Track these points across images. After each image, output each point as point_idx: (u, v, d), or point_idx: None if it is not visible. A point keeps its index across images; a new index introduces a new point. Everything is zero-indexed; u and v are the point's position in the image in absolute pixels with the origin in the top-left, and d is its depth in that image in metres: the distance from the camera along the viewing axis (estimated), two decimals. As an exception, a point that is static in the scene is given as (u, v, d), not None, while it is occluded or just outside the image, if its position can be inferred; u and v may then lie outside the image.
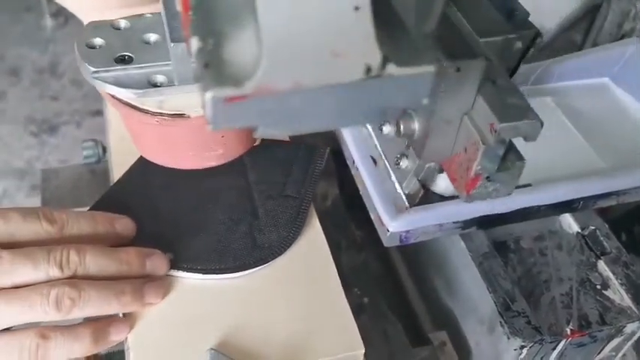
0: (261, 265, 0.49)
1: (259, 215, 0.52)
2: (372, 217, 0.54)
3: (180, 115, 0.42)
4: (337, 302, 0.48)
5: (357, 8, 0.23)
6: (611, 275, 0.54)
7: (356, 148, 0.57)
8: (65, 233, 0.45)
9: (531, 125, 0.31)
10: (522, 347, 0.49)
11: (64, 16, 2.45)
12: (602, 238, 0.56)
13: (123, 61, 0.41)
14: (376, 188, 0.53)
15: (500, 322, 0.50)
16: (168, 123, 0.42)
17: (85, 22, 0.55)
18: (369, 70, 0.24)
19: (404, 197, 0.53)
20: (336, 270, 0.50)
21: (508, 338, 0.49)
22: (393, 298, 0.63)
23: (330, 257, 0.51)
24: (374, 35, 0.24)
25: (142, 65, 0.41)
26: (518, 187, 0.54)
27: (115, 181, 0.54)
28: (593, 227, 0.57)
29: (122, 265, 0.45)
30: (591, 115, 0.64)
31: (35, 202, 1.70)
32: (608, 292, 0.53)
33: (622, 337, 0.53)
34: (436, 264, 0.61)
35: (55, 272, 0.42)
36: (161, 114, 0.42)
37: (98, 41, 0.42)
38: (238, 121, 0.25)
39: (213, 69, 0.24)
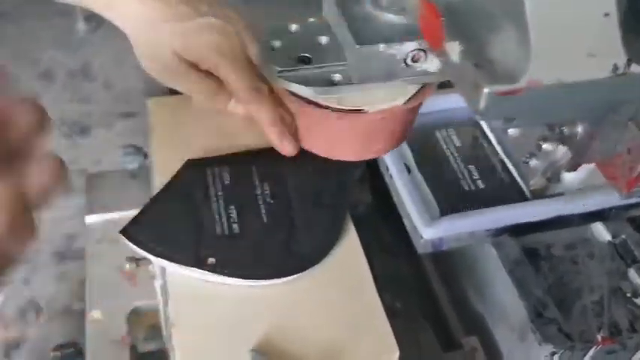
0: (298, 272, 0.51)
1: (296, 224, 0.53)
2: (406, 223, 0.56)
3: (359, 111, 0.45)
4: (373, 308, 0.50)
5: (606, 14, 0.28)
6: (641, 284, 0.55)
7: (390, 156, 0.58)
8: None
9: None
10: (553, 354, 0.50)
11: (96, 20, 2.50)
12: (632, 247, 0.57)
13: (303, 61, 0.44)
14: (410, 196, 0.55)
15: (532, 328, 0.51)
16: (347, 117, 0.46)
17: (129, 35, 0.57)
18: (616, 68, 0.30)
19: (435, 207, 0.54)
20: (371, 276, 0.51)
21: (539, 345, 0.51)
22: (425, 304, 0.65)
23: (366, 264, 0.52)
24: (620, 39, 0.29)
25: (321, 65, 0.44)
26: (550, 195, 0.56)
27: (158, 189, 0.57)
28: (624, 236, 0.58)
29: None
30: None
31: (69, 202, 1.74)
32: (638, 301, 0.54)
33: (652, 345, 0.53)
34: (467, 270, 0.62)
35: None
36: (341, 109, 0.45)
37: (277, 44, 0.45)
38: (504, 113, 0.32)
39: (485, 68, 0.30)
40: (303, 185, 0.56)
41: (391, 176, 0.57)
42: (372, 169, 0.66)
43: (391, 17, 0.42)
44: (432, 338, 0.58)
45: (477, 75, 0.29)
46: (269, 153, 0.59)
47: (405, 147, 0.60)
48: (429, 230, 0.52)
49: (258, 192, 0.56)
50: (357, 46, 0.41)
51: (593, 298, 0.54)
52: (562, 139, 0.45)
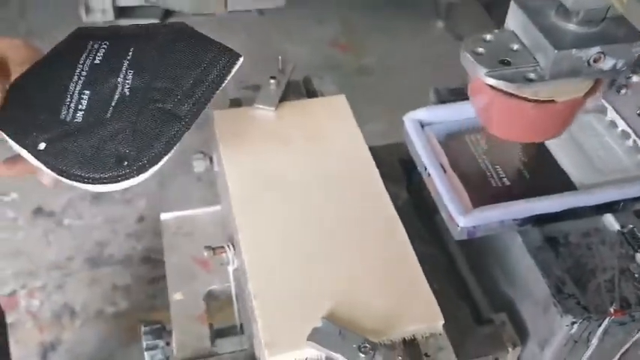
0: (119, 180, 0.49)
1: (138, 125, 0.50)
2: (443, 215, 0.65)
3: (551, 101, 0.56)
4: (418, 281, 0.59)
5: None
6: (647, 266, 0.64)
7: (427, 157, 0.67)
8: None
9: None
10: (573, 323, 0.59)
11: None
12: (639, 235, 0.66)
13: (503, 63, 0.54)
14: (447, 191, 0.64)
15: (554, 302, 0.60)
16: (541, 106, 0.56)
17: None
18: None
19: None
20: (415, 256, 0.60)
21: (561, 316, 0.59)
22: (456, 286, 0.73)
23: (409, 243, 0.61)
24: None
25: (518, 66, 0.54)
26: (566, 190, 0.65)
27: (231, 192, 0.64)
28: (631, 226, 0.67)
29: None
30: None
31: (99, 210, 1.82)
32: (645, 280, 0.63)
33: (658, 317, 0.62)
34: (496, 257, 0.71)
35: None
36: (537, 100, 0.56)
37: (480, 50, 0.55)
38: None
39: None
40: (170, 81, 0.52)
41: (429, 174, 0.66)
42: (407, 167, 0.76)
43: (573, 27, 0.53)
44: (467, 314, 0.67)
45: None
46: (160, 34, 0.55)
47: (440, 150, 0.69)
48: (465, 220, 0.61)
49: (120, 79, 0.52)
50: (556, 51, 0.52)
51: (606, 278, 0.63)
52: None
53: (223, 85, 0.53)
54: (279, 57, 0.78)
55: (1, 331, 0.90)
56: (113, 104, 0.51)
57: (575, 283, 0.62)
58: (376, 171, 0.68)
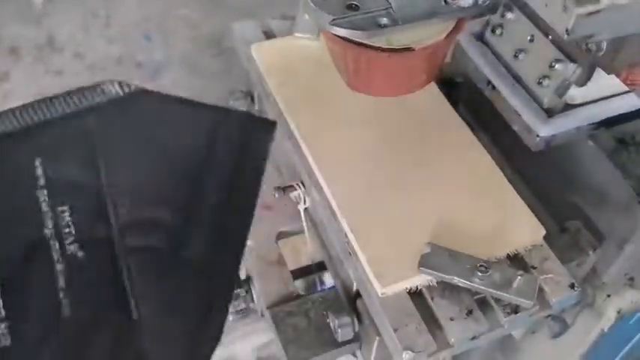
0: None
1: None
2: (516, 127, 0.63)
3: (408, 49, 0.50)
4: (513, 199, 0.58)
5: None
6: None
7: (491, 70, 0.65)
8: None
9: None
10: (658, 217, 0.59)
11: (51, -10, 2.43)
12: None
13: (351, 7, 0.47)
14: (521, 102, 0.62)
15: (639, 201, 0.60)
16: (397, 55, 0.50)
17: None
18: None
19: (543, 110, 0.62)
20: (504, 175, 0.59)
21: (647, 212, 0.60)
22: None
23: (495, 164, 0.60)
24: None
25: (368, 11, 0.47)
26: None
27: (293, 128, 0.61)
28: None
29: None
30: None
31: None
32: None
33: None
34: (556, 166, 0.70)
35: None
36: (392, 49, 0.49)
37: None
38: (588, 30, 0.37)
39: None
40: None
41: (493, 88, 0.64)
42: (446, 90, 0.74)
43: None
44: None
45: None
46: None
47: (497, 63, 0.67)
48: (545, 128, 0.60)
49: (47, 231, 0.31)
50: None
51: (680, 172, 0.63)
52: (572, 58, 0.53)
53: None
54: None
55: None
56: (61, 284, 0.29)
57: (653, 180, 0.62)
58: (438, 91, 0.65)
